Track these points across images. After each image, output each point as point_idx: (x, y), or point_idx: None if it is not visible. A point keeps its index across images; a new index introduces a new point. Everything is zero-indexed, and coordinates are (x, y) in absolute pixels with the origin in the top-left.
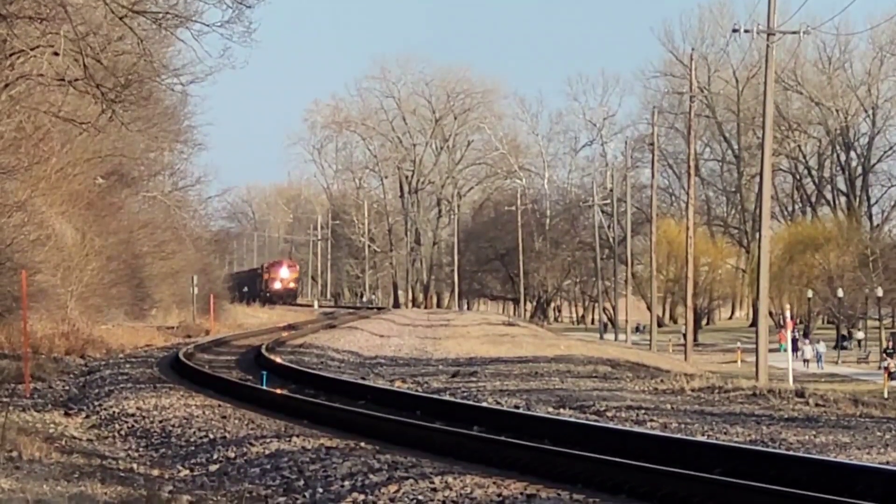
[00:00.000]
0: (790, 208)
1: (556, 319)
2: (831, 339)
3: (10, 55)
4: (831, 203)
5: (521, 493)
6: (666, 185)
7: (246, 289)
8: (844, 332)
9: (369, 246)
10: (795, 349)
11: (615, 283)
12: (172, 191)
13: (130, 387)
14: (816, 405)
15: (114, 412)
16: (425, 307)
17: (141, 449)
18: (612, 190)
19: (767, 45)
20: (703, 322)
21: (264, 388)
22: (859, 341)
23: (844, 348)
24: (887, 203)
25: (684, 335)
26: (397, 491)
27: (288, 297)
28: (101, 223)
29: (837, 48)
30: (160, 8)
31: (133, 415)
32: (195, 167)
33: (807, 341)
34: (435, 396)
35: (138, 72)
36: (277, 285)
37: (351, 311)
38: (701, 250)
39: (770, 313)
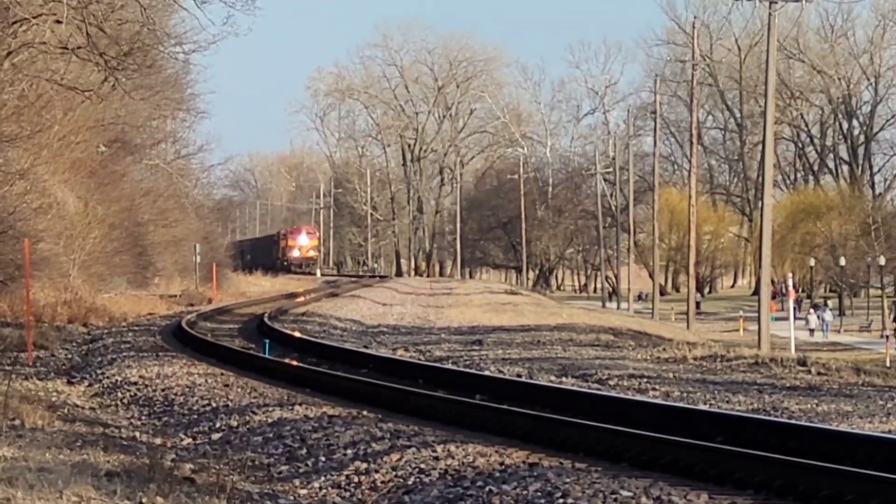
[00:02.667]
0: (792, 177)
1: (558, 288)
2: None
3: (13, 23)
4: (833, 171)
5: (524, 462)
6: (668, 154)
7: (249, 257)
8: (820, 301)
9: (372, 214)
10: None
11: (617, 251)
12: (175, 159)
13: (133, 355)
14: (818, 374)
15: (116, 380)
16: (428, 276)
17: (143, 417)
18: (614, 158)
19: (770, 14)
20: (706, 290)
21: (267, 356)
22: (830, 309)
23: (802, 318)
24: (889, 171)
25: (698, 303)
26: (399, 459)
27: (307, 267)
28: (104, 191)
29: (840, 16)
30: None
31: (136, 383)
32: (197, 135)
33: (812, 311)
34: (437, 365)
35: (141, 40)
36: (296, 253)
37: (353, 279)
38: (703, 219)
39: (772, 282)
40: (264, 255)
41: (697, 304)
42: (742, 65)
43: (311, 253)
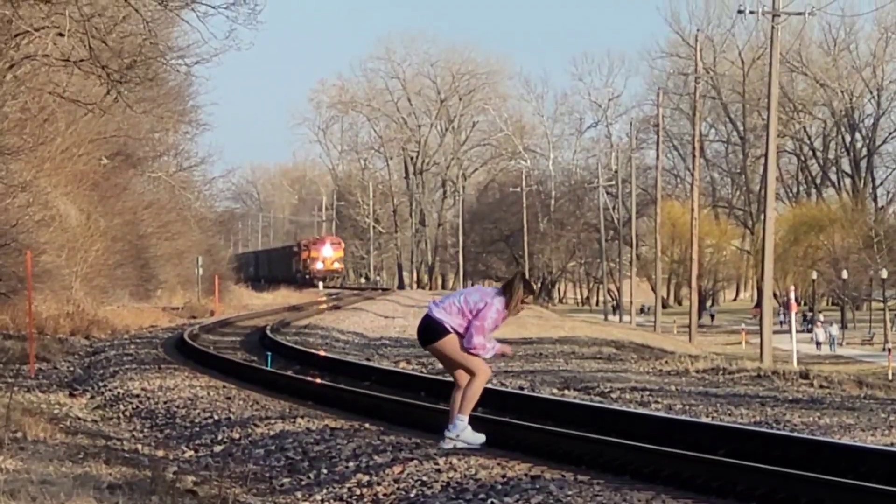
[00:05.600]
0: (795, 190)
1: (560, 301)
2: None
3: (16, 36)
4: (836, 184)
5: (526, 475)
6: (671, 167)
7: (256, 269)
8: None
9: (374, 227)
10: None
11: (620, 264)
12: (177, 171)
13: (135, 367)
14: (821, 387)
15: (118, 393)
16: (430, 288)
17: (146, 430)
18: (617, 171)
19: (773, 27)
20: (708, 303)
21: (269, 368)
22: (821, 322)
23: (809, 330)
24: (892, 184)
25: (712, 315)
26: (401, 472)
27: (331, 280)
28: (106, 204)
29: (843, 29)
30: None
31: (138, 395)
32: (200, 147)
33: (819, 324)
34: (439, 378)
35: (143, 53)
36: (319, 265)
37: (356, 292)
38: (705, 232)
39: (774, 295)
40: (282, 267)
41: (711, 317)
42: (745, 78)
43: (336, 265)
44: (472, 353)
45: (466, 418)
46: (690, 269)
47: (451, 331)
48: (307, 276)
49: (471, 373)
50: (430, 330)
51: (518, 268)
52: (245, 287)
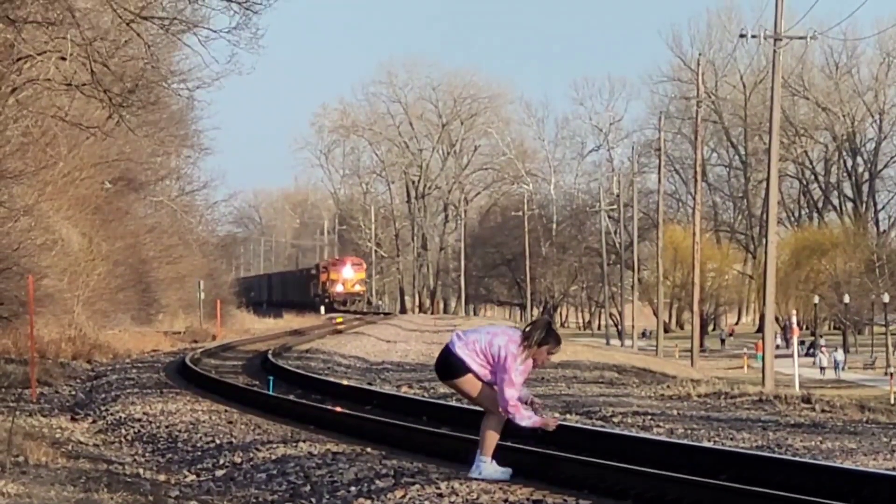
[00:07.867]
0: (797, 214)
1: (562, 325)
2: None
3: (18, 60)
4: (838, 209)
5: (528, 499)
6: (673, 191)
7: (265, 293)
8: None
9: (376, 251)
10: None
11: (622, 288)
12: (179, 195)
13: (137, 392)
14: (823, 411)
15: (120, 417)
16: (432, 312)
17: (147, 454)
18: (618, 195)
19: (774, 51)
20: (710, 328)
21: (271, 393)
22: (823, 347)
23: (811, 354)
24: (894, 209)
25: (723, 339)
26: (403, 496)
27: (353, 304)
28: (108, 228)
29: (845, 53)
30: (167, 13)
31: (139, 420)
32: (202, 172)
33: (823, 348)
34: (441, 402)
35: (145, 77)
36: (339, 288)
37: (357, 316)
38: (707, 256)
39: (776, 319)
40: (298, 291)
41: (722, 341)
42: (747, 102)
43: (357, 287)
44: (506, 414)
45: (488, 458)
46: (692, 293)
47: (471, 371)
48: (327, 300)
49: (486, 410)
50: (449, 365)
51: (545, 316)
52: (247, 311)
